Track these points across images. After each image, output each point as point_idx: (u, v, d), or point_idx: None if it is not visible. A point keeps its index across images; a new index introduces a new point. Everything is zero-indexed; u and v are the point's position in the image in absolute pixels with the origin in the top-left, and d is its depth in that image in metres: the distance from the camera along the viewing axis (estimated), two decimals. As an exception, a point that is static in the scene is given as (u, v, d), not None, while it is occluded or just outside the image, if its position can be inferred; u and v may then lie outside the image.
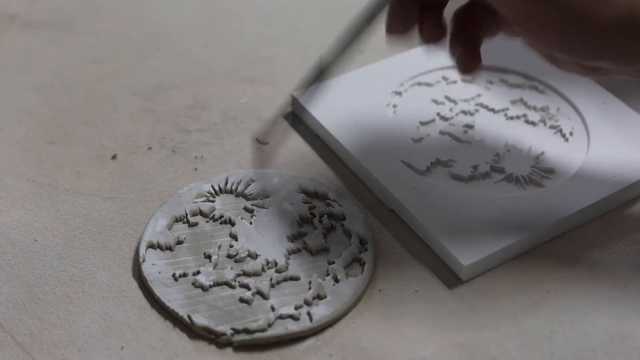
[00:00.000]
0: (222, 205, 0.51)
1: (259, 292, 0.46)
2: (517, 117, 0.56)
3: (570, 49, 0.45)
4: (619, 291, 0.47)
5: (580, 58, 0.46)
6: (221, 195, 0.52)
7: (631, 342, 0.45)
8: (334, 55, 0.48)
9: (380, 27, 0.47)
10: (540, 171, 0.53)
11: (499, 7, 0.44)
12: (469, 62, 0.47)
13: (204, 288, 0.46)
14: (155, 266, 0.47)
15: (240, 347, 0.45)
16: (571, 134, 0.55)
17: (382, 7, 0.46)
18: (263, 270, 0.47)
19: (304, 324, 0.45)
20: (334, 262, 0.48)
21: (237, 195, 0.51)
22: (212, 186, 0.52)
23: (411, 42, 0.48)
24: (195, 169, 0.54)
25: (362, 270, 0.48)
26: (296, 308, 0.46)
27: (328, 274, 0.47)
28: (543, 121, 0.56)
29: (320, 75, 0.49)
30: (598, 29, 0.44)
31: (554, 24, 0.44)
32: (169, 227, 0.49)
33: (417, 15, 0.47)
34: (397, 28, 0.47)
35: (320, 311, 0.46)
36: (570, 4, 0.43)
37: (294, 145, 0.55)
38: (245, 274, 0.47)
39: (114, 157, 0.54)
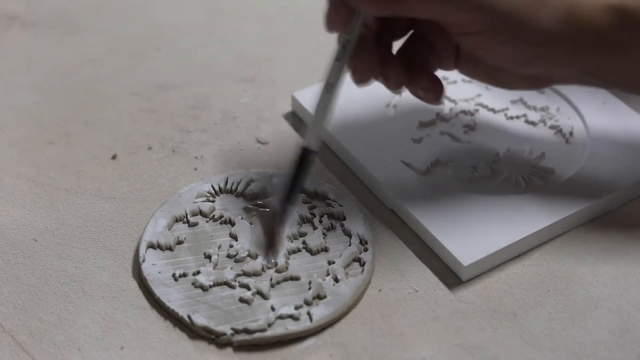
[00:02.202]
0: (222, 205, 0.51)
1: (259, 292, 0.46)
2: (517, 117, 0.56)
3: (511, 59, 0.46)
4: (620, 288, 0.47)
5: (522, 67, 0.47)
6: (221, 195, 0.51)
7: (632, 336, 0.45)
8: (312, 139, 0.47)
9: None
10: (540, 171, 0.53)
11: (443, 19, 0.45)
12: (434, 90, 0.48)
13: (204, 288, 0.46)
14: (155, 266, 0.47)
15: (240, 347, 0.45)
16: (571, 134, 0.55)
17: (340, 81, 0.47)
18: (263, 270, 0.47)
19: (304, 324, 0.45)
20: (334, 262, 0.48)
21: (237, 195, 0.51)
22: (212, 186, 0.52)
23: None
24: (195, 169, 0.54)
25: (362, 270, 0.48)
26: (296, 308, 0.46)
27: (328, 274, 0.47)
28: (543, 121, 0.56)
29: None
30: (537, 35, 0.45)
31: (494, 33, 0.45)
32: (169, 227, 0.49)
33: (377, 66, 0.48)
34: (362, 80, 0.48)
35: (320, 311, 0.46)
36: (506, 12, 0.44)
37: (294, 145, 0.55)
38: (245, 274, 0.47)
39: (114, 157, 0.54)
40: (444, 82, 0.48)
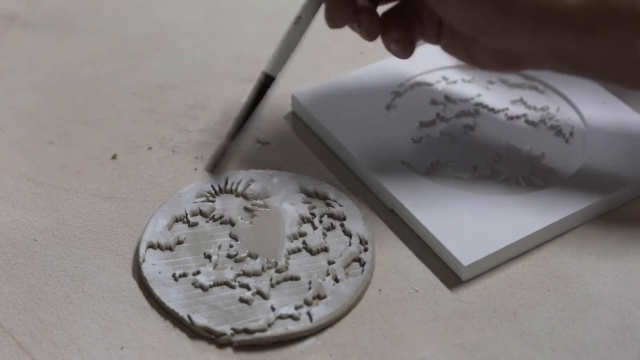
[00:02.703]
0: (222, 205, 0.51)
1: (259, 292, 0.46)
2: (517, 117, 0.56)
3: (476, 22, 0.46)
4: (620, 286, 0.47)
5: (487, 33, 0.47)
6: (221, 195, 0.51)
7: (633, 334, 0.45)
8: (275, 67, 0.50)
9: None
10: (540, 171, 0.53)
11: None
12: (406, 44, 0.50)
13: (204, 288, 0.46)
14: (155, 266, 0.47)
15: (240, 347, 0.45)
16: (571, 134, 0.55)
17: (312, 17, 0.49)
18: (263, 270, 0.47)
19: (304, 324, 0.45)
20: (334, 262, 0.48)
21: (237, 195, 0.51)
22: (212, 186, 0.52)
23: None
24: (195, 169, 0.54)
25: (362, 270, 0.48)
26: (296, 308, 0.46)
27: (328, 274, 0.47)
28: (543, 121, 0.56)
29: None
30: (522, 12, 0.45)
31: (480, 5, 0.45)
32: (169, 227, 0.49)
33: (352, 13, 0.49)
34: (336, 22, 0.49)
35: (320, 311, 0.46)
36: None
37: (294, 145, 0.55)
38: (245, 274, 0.47)
39: (114, 157, 0.54)
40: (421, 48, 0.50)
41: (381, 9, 0.51)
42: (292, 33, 0.50)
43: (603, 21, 0.45)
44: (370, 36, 0.50)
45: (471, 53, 0.50)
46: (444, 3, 0.47)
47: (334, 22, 0.50)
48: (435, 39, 0.51)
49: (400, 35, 0.50)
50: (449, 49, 0.51)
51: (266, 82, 0.50)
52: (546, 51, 0.47)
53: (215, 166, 0.51)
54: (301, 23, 0.49)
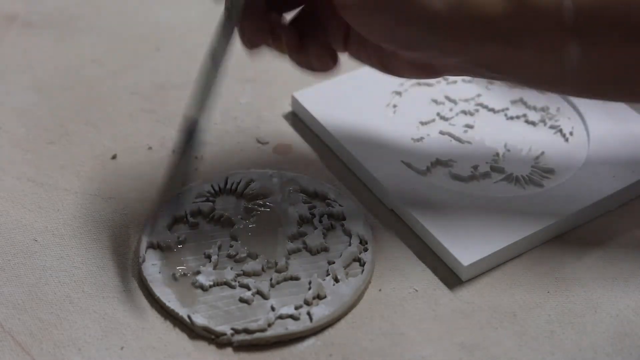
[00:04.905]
0: (222, 205, 0.51)
1: (259, 292, 0.46)
2: (517, 117, 0.56)
3: (392, 39, 0.44)
4: (619, 290, 0.47)
5: (405, 49, 0.45)
6: (221, 195, 0.51)
7: (631, 341, 0.45)
8: (197, 108, 0.48)
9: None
10: (540, 171, 0.53)
11: None
12: (329, 56, 0.48)
13: (204, 288, 0.46)
14: (155, 266, 0.47)
15: (240, 347, 0.45)
16: (571, 134, 0.55)
17: (227, 47, 0.47)
18: (263, 270, 0.47)
19: (304, 324, 0.45)
20: (334, 262, 0.48)
21: (237, 196, 0.51)
22: (212, 186, 0.52)
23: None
24: (195, 169, 0.54)
25: (362, 270, 0.48)
26: (296, 308, 0.46)
27: (328, 274, 0.47)
28: (543, 121, 0.56)
29: (191, 136, 0.49)
30: (420, 15, 0.43)
31: (377, 7, 0.43)
32: (169, 227, 0.49)
33: (268, 30, 0.47)
34: (254, 42, 0.48)
35: (320, 311, 0.46)
36: None
37: (294, 145, 0.55)
38: (245, 274, 0.47)
39: (114, 157, 0.54)
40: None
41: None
42: (207, 67, 0.47)
43: (527, 28, 0.43)
44: (291, 50, 0.47)
45: (384, 61, 0.47)
46: (364, 24, 0.44)
47: (252, 43, 0.47)
48: (342, 47, 0.48)
49: (322, 49, 0.47)
50: (359, 55, 0.48)
51: (192, 126, 0.47)
52: (468, 62, 0.45)
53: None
54: (216, 55, 0.47)
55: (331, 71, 0.48)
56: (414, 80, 0.58)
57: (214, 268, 0.47)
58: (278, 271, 0.47)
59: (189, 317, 0.45)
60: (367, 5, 0.43)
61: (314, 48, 0.47)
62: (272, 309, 0.46)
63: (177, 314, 0.45)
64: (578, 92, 0.47)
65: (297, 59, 0.48)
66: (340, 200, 0.51)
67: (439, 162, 0.53)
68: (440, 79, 0.58)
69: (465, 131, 0.55)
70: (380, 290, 0.47)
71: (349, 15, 0.45)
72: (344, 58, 0.62)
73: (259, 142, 0.56)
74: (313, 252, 0.48)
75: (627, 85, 0.45)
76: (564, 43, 0.43)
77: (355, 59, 0.49)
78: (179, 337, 0.45)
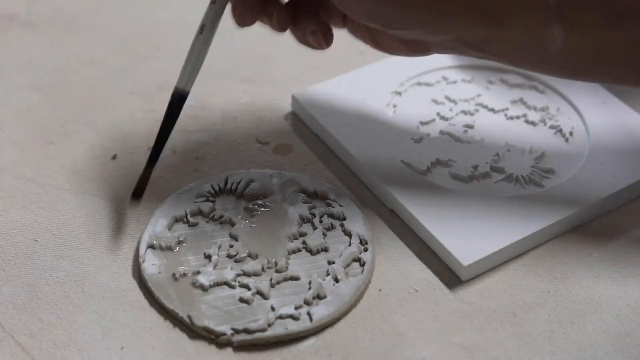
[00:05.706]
0: (222, 205, 0.51)
1: (259, 292, 0.46)
2: (517, 117, 0.56)
3: (376, 18, 0.45)
4: (619, 290, 0.47)
5: (389, 28, 0.46)
6: (221, 195, 0.51)
7: (632, 340, 0.45)
8: (186, 81, 0.50)
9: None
10: (540, 171, 0.53)
11: None
12: (323, 33, 0.48)
13: (204, 288, 0.46)
14: (155, 266, 0.47)
15: (240, 347, 0.45)
16: (571, 134, 0.55)
17: (216, 22, 0.48)
18: (263, 270, 0.47)
19: (304, 324, 0.45)
20: (334, 262, 0.48)
21: (237, 196, 0.51)
22: (212, 186, 0.52)
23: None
24: (196, 169, 0.54)
25: (362, 270, 0.48)
26: (296, 308, 0.46)
27: (328, 274, 0.47)
28: (543, 121, 0.56)
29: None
30: (425, 6, 0.44)
31: (383, 1, 0.44)
32: (169, 227, 0.49)
33: (260, 7, 0.48)
34: (245, 20, 0.48)
35: (320, 311, 0.46)
36: None
37: (294, 145, 0.55)
38: (245, 274, 0.47)
39: (114, 157, 0.54)
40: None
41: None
42: (196, 42, 0.48)
43: (511, 8, 0.43)
44: (282, 28, 0.48)
45: (377, 39, 0.49)
46: (346, 3, 0.45)
47: (243, 19, 0.48)
48: (341, 23, 0.50)
49: (315, 25, 0.48)
50: (355, 32, 0.50)
51: (180, 98, 0.49)
52: (454, 40, 0.46)
53: (142, 193, 0.50)
54: (205, 31, 0.48)
55: (327, 47, 0.50)
56: (414, 80, 0.58)
57: (214, 268, 0.47)
58: (278, 271, 0.47)
59: (189, 317, 0.45)
60: None
61: (307, 24, 0.48)
62: (272, 309, 0.46)
63: (177, 314, 0.45)
64: (561, 73, 0.47)
65: (296, 34, 0.49)
66: (340, 200, 0.51)
67: (439, 162, 0.53)
68: (440, 78, 0.58)
69: (465, 131, 0.55)
70: (380, 290, 0.47)
71: (346, 7, 0.45)
72: (343, 59, 0.62)
73: (259, 142, 0.56)
74: (313, 252, 0.48)
75: (609, 68, 0.46)
76: (548, 24, 0.44)
77: (352, 35, 0.50)
78: (179, 337, 0.45)
